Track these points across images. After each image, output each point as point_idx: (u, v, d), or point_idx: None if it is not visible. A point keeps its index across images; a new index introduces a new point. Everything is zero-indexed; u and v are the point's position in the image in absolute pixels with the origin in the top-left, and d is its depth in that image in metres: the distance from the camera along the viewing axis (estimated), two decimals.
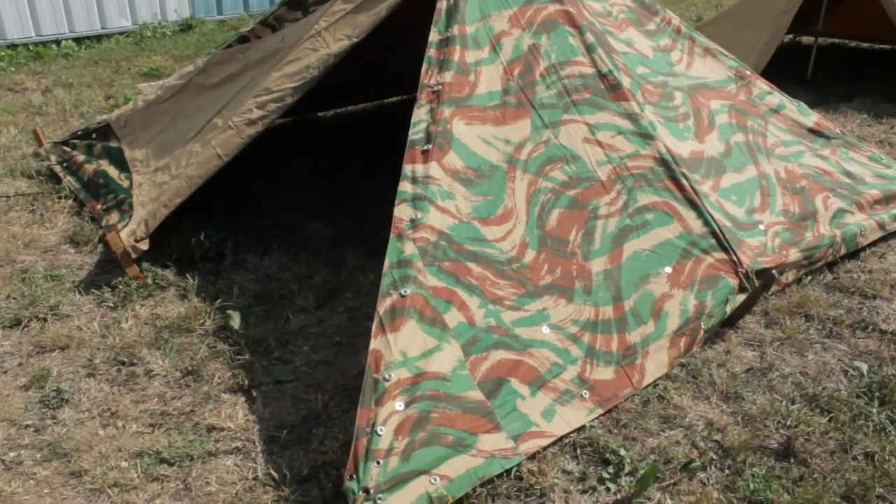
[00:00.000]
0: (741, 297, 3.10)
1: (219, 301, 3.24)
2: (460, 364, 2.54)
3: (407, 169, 2.84)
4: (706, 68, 3.80)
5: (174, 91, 4.26)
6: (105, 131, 4.41)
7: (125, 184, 4.09)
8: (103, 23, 7.48)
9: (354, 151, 5.05)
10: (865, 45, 7.81)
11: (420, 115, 2.98)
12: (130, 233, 3.51)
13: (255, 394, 2.76)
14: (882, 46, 7.73)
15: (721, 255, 3.10)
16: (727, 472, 2.47)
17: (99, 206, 4.09)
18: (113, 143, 4.35)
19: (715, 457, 2.52)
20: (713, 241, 3.11)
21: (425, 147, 2.89)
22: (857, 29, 7.14)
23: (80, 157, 4.41)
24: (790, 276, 3.35)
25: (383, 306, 2.54)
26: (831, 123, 4.06)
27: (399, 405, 2.36)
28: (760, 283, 3.08)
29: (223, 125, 3.73)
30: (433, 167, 2.85)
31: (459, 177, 2.90)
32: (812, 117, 3.97)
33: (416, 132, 2.94)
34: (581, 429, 2.60)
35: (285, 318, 3.18)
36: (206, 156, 3.54)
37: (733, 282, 3.07)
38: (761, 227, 3.34)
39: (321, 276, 3.45)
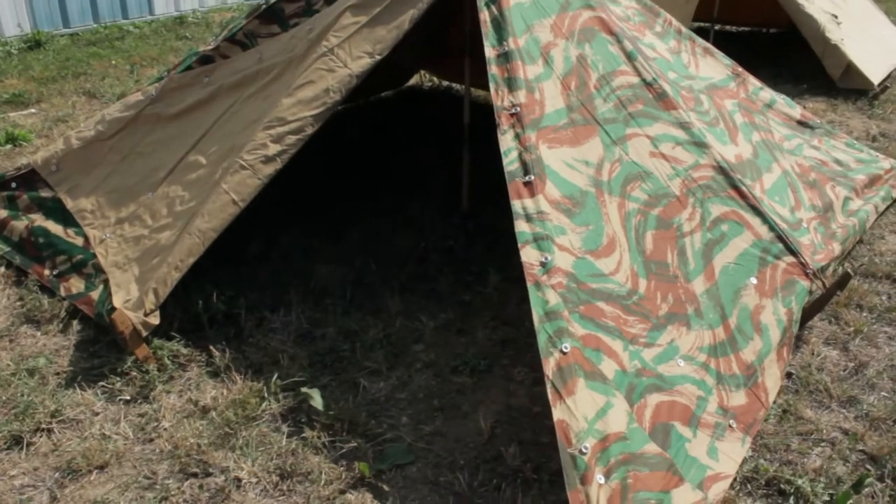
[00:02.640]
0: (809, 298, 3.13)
1: (275, 377, 2.75)
2: (630, 417, 2.32)
3: (516, 205, 2.55)
4: (709, 68, 3.79)
5: (121, 125, 3.58)
6: (29, 178, 3.63)
7: (77, 241, 3.41)
8: None
9: (323, 164, 4.53)
10: (731, 28, 8.35)
11: (508, 142, 2.68)
12: (137, 306, 2.90)
13: (384, 486, 2.35)
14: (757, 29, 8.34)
15: (791, 259, 3.09)
16: (888, 482, 2.45)
17: (47, 272, 3.37)
18: (44, 193, 3.60)
19: (871, 469, 2.50)
20: (781, 245, 3.10)
21: (526, 178, 2.60)
22: (743, 15, 7.63)
23: (2, 213, 3.60)
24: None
25: (549, 367, 2.25)
26: (811, 114, 4.23)
27: (600, 478, 2.11)
28: (835, 281, 3.12)
29: (215, 161, 3.20)
30: (542, 201, 2.58)
31: (561, 208, 2.65)
32: (797, 109, 4.11)
33: (510, 162, 2.64)
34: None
35: (362, 388, 2.76)
36: (219, 203, 2.99)
37: (806, 284, 3.07)
38: (804, 224, 3.39)
39: (375, 330, 3.03)
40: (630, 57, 3.21)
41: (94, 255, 3.32)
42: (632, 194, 2.89)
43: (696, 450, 2.39)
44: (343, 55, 3.10)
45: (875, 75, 6.12)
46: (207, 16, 7.84)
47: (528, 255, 2.46)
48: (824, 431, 2.64)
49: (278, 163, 3.02)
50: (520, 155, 2.66)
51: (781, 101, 4.04)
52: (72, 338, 3.06)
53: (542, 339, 2.31)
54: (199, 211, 3.05)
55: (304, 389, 2.65)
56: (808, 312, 3.12)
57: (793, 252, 3.10)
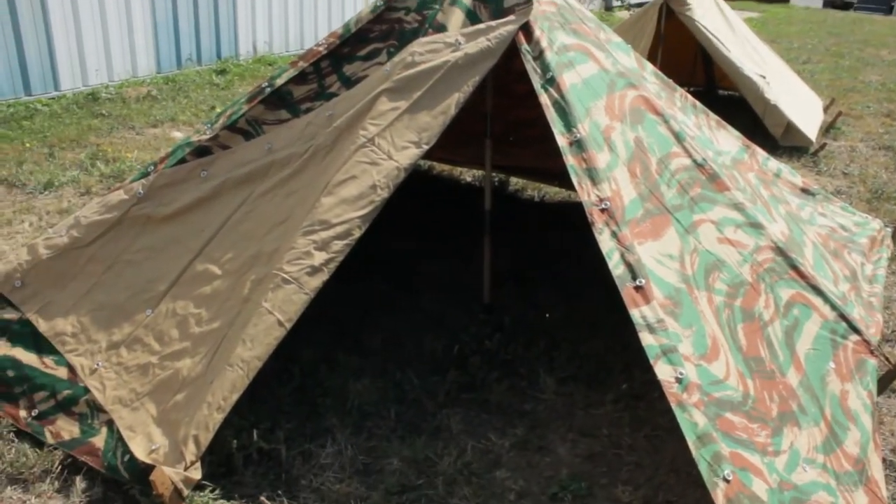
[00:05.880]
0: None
1: None
2: None
3: (636, 315, 2.30)
4: (726, 142, 3.73)
5: (102, 229, 3.07)
6: None
7: (59, 372, 2.88)
8: None
9: None
10: None
11: (607, 242, 2.44)
12: (172, 457, 2.41)
13: None
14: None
15: (856, 338, 3.00)
16: None
17: (24, 414, 2.79)
18: (7, 314, 3.02)
19: None
20: (844, 324, 3.00)
21: (636, 283, 2.37)
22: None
23: None
24: None
25: (720, 501, 2.01)
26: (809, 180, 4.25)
27: None
28: None
29: (235, 271, 2.79)
30: (657, 308, 2.35)
31: (668, 311, 2.42)
32: (798, 177, 4.12)
33: (615, 266, 2.40)
34: None
35: None
36: (263, 326, 2.55)
37: (874, 361, 3.00)
38: (848, 297, 3.33)
39: (449, 458, 2.67)
40: (679, 138, 3.07)
41: (87, 390, 2.79)
42: (715, 286, 2.71)
43: None
44: (386, 146, 2.77)
45: (812, 132, 6.39)
46: (121, 91, 7.18)
47: (663, 372, 2.21)
48: None
49: (325, 273, 2.63)
50: (622, 256, 2.42)
51: (786, 169, 4.05)
52: (75, 500, 2.51)
53: (703, 468, 2.07)
54: (235, 335, 2.60)
55: None
56: (878, 390, 3.05)
57: (856, 330, 3.02)
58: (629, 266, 2.41)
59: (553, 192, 5.16)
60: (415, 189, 5.17)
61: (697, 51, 7.50)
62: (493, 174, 5.26)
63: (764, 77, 6.56)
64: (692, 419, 2.15)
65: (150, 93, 7.24)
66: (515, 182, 5.31)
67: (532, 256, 4.16)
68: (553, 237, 4.32)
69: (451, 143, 4.72)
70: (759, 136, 6.31)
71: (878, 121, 7.53)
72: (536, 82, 2.77)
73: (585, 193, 2.55)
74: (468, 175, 5.50)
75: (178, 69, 8.22)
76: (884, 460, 2.78)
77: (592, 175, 2.58)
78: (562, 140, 2.65)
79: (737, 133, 3.87)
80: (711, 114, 3.80)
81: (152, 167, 3.20)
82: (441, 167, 5.62)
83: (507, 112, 4.21)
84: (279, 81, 3.16)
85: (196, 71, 8.25)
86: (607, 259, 2.40)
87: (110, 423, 2.68)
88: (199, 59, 8.51)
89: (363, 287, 3.81)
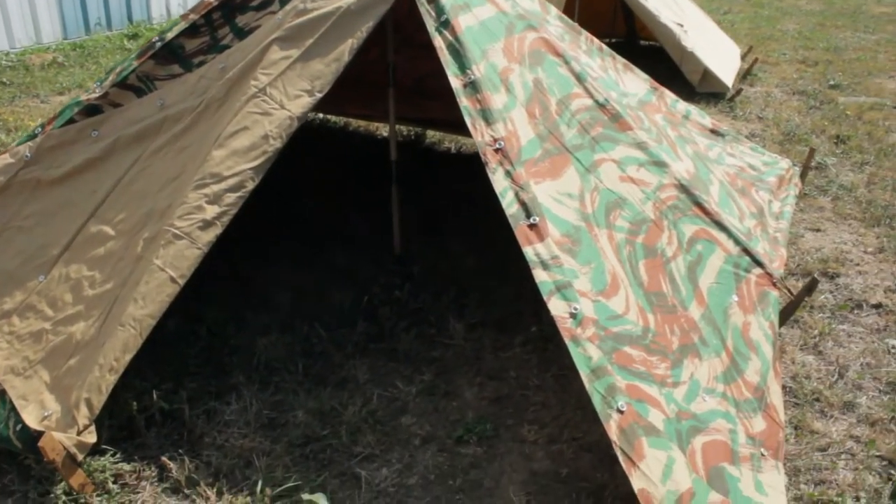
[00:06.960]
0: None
1: (259, 484, 2.29)
2: (689, 470, 2.15)
3: (529, 252, 2.29)
4: (633, 84, 3.73)
5: None
6: None
7: None
8: None
9: None
10: None
11: (501, 182, 2.42)
12: (64, 423, 2.32)
13: None
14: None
15: (759, 271, 3.06)
16: None
17: None
18: None
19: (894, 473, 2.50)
20: (748, 258, 3.06)
21: (530, 221, 2.36)
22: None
23: None
24: None
25: (613, 432, 2.03)
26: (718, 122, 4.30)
27: None
28: (804, 287, 3.14)
29: (128, 231, 2.69)
30: (551, 245, 2.34)
31: (565, 248, 2.42)
32: (707, 118, 4.16)
33: (508, 204, 2.38)
34: None
35: (364, 479, 2.37)
36: (154, 283, 2.47)
37: (776, 293, 3.07)
38: (753, 233, 3.39)
39: (353, 407, 2.64)
40: (580, 78, 3.06)
41: None
42: (616, 224, 2.72)
43: (748, 488, 2.26)
44: (278, 95, 2.69)
45: (728, 79, 6.47)
46: (24, 58, 6.86)
47: (557, 308, 2.21)
48: (839, 442, 2.61)
49: (218, 227, 2.56)
50: (517, 195, 2.41)
51: (694, 110, 4.08)
52: None
53: (596, 401, 2.08)
54: (127, 295, 2.51)
55: (305, 496, 2.22)
56: (780, 321, 3.12)
57: (759, 263, 3.08)
58: (523, 204, 2.39)
59: (470, 144, 5.12)
60: (327, 145, 5.13)
61: (617, 2, 7.51)
62: (410, 128, 5.22)
63: (681, 25, 6.60)
64: (586, 353, 2.16)
65: (56, 59, 6.94)
66: (433, 135, 5.26)
67: (445, 207, 4.14)
68: (467, 188, 4.28)
69: (364, 97, 4.66)
70: (677, 84, 6.38)
71: (794, 67, 7.68)
72: (430, 26, 2.72)
73: (479, 134, 2.52)
74: (384, 130, 5.43)
75: (86, 35, 7.89)
76: (784, 387, 2.86)
77: (486, 116, 2.55)
78: (455, 82, 2.61)
79: (645, 76, 3.88)
80: (619, 57, 3.79)
81: (39, 129, 3.06)
82: (357, 123, 5.53)
83: (416, 64, 4.15)
84: (170, 35, 3.05)
85: (106, 36, 7.93)
86: (500, 198, 2.38)
87: (2, 394, 2.57)
88: (108, 23, 8.18)
89: (273, 244, 3.74)
